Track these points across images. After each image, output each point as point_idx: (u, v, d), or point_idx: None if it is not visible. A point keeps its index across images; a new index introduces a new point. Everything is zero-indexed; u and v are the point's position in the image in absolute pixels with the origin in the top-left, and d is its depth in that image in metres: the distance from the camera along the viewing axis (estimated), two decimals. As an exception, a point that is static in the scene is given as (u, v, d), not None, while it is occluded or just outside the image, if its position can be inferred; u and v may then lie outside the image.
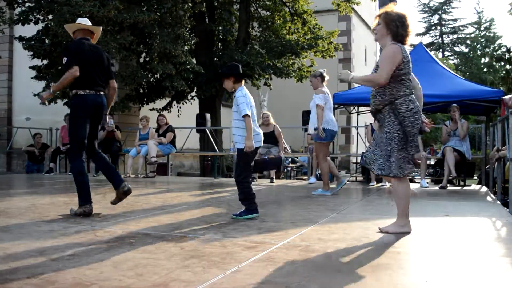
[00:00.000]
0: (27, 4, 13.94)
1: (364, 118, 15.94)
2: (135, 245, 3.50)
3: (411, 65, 4.03)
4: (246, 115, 4.78)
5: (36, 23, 13.90)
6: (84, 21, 5.30)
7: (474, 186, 9.94)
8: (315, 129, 7.30)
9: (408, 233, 4.01)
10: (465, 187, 9.50)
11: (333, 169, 7.87)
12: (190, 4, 14.25)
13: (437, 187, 9.01)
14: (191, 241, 3.67)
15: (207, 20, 16.61)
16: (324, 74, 7.42)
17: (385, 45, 4.08)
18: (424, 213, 5.44)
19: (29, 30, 14.38)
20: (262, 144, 5.04)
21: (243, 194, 4.85)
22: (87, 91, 4.97)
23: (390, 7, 4.13)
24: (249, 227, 4.31)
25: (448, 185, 8.92)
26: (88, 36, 5.24)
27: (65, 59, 4.94)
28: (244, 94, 4.88)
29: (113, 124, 11.57)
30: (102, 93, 5.14)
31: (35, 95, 14.01)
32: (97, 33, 5.39)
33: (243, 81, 5.08)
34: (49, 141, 13.88)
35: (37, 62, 14.14)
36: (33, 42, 13.80)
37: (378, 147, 4.10)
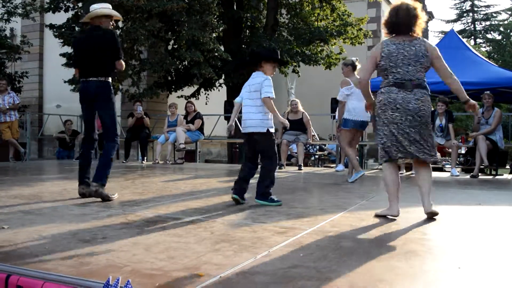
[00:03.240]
0: (57, -8, 14.12)
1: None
2: (166, 229, 3.54)
3: (397, 58, 4.06)
4: (270, 98, 4.79)
5: (66, 10, 14.09)
6: (99, 7, 5.28)
7: (506, 176, 9.76)
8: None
9: (394, 216, 4.11)
10: (497, 177, 9.34)
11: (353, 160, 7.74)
12: (218, -9, 14.24)
13: (468, 176, 8.87)
14: (221, 225, 3.69)
15: (235, 7, 16.56)
16: (356, 63, 7.39)
17: None
18: (456, 202, 5.37)
19: (59, 17, 14.57)
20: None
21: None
22: (81, 80, 5.27)
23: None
24: (279, 213, 4.31)
25: (479, 174, 8.77)
26: (98, 22, 5.25)
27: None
28: (269, 77, 4.90)
29: (142, 111, 11.68)
30: (92, 78, 5.19)
31: (65, 81, 14.22)
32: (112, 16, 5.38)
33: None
34: (79, 128, 14.07)
35: (67, 49, 14.32)
36: (63, 30, 13.98)
37: None
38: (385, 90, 4.09)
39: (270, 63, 4.94)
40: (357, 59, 7.55)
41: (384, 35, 4.30)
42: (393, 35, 4.16)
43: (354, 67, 7.40)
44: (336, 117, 7.61)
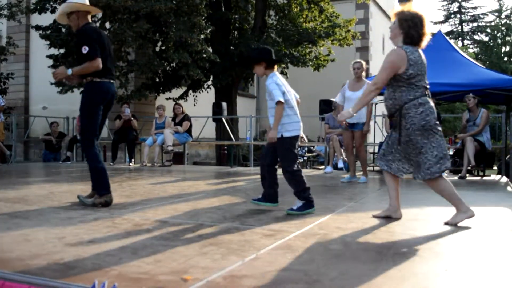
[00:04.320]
0: (44, -7, 14.02)
1: (381, 107, 15.79)
2: (153, 232, 3.51)
3: (422, 66, 3.93)
4: (279, 102, 4.40)
5: (52, 12, 13.99)
6: (84, 1, 4.99)
7: (494, 177, 9.82)
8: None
9: (472, 216, 3.95)
10: (485, 177, 9.39)
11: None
12: (206, -8, 14.21)
13: (456, 177, 8.91)
14: (209, 228, 3.67)
15: (223, 8, 16.56)
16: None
17: (396, 46, 4.02)
18: (444, 203, 5.37)
19: (46, 19, 14.46)
20: (301, 132, 4.65)
21: (299, 185, 4.48)
22: (103, 79, 4.86)
23: (408, 6, 4.05)
24: (267, 215, 4.30)
25: (467, 175, 8.82)
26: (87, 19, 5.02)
27: (85, 48, 4.70)
28: (275, 81, 4.51)
29: (129, 113, 11.62)
30: (113, 81, 5.06)
31: (52, 84, 14.11)
32: (93, 13, 5.20)
33: (275, 66, 4.69)
34: (66, 130, 13.99)
35: (54, 51, 14.22)
36: (49, 31, 13.88)
37: (397, 152, 4.08)
38: (423, 100, 3.89)
39: (260, 64, 4.62)
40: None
41: (396, 42, 4.04)
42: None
43: None
44: (365, 118, 7.68)
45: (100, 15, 13.00)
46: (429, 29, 4.02)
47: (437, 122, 3.94)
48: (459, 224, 3.97)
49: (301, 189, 4.48)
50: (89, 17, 5.06)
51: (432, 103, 3.97)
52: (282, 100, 4.41)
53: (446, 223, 3.98)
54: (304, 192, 4.47)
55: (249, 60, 4.82)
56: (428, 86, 4.01)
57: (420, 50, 4.01)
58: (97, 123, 4.93)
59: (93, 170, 4.84)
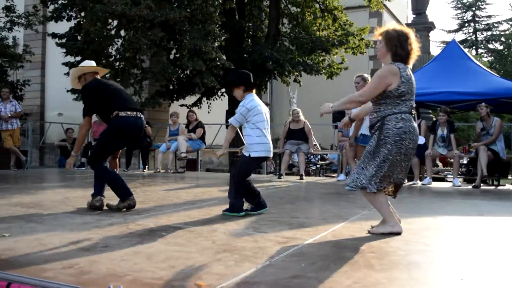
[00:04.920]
0: (60, 1, 14.16)
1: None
2: (167, 238, 3.53)
3: (412, 86, 3.82)
4: (231, 125, 4.80)
5: (68, 20, 14.13)
6: (90, 63, 5.33)
7: (509, 186, 9.73)
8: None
9: (399, 233, 3.80)
10: (499, 187, 9.31)
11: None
12: (220, 1, 14.27)
13: (470, 186, 8.85)
14: (222, 235, 3.68)
15: (237, 16, 16.62)
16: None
17: (386, 64, 3.92)
18: (458, 212, 5.35)
19: (62, 26, 14.61)
20: (271, 154, 4.84)
21: (237, 195, 4.69)
22: (128, 113, 4.91)
23: (392, 25, 3.98)
24: (280, 222, 4.30)
25: (481, 184, 8.74)
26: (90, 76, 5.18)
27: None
28: (245, 104, 4.69)
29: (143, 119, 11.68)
30: (140, 115, 5.06)
31: (67, 91, 14.24)
32: (101, 74, 5.37)
33: (254, 90, 4.92)
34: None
35: (69, 58, 14.35)
36: (65, 39, 14.02)
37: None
38: (406, 117, 3.77)
39: (239, 88, 4.85)
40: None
41: (386, 61, 3.92)
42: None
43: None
44: (351, 133, 7.65)
45: (115, 23, 13.14)
46: (417, 44, 3.88)
47: (410, 146, 3.77)
48: (472, 234, 3.92)
49: (236, 197, 4.68)
50: (97, 76, 5.24)
51: (415, 125, 3.84)
52: (235, 125, 4.80)
53: (369, 231, 3.90)
54: (238, 201, 4.67)
55: (228, 84, 5.09)
56: (414, 107, 3.90)
57: (409, 69, 3.91)
58: (112, 152, 5.19)
59: (108, 181, 4.99)
